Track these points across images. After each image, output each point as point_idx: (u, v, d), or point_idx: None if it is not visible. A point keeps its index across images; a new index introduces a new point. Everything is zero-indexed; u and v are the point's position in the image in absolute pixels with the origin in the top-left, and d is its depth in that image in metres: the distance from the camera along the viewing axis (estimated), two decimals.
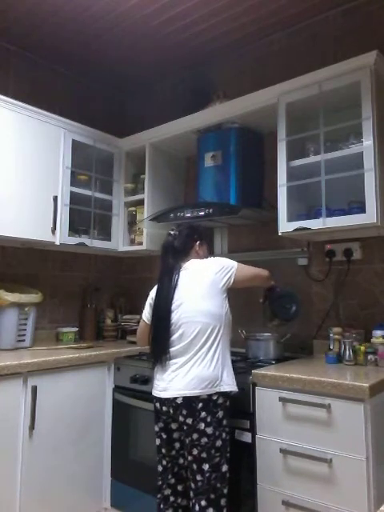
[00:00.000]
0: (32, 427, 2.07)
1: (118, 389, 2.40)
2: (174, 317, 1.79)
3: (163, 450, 1.83)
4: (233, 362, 2.16)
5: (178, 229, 2.00)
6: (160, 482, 1.84)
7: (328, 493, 1.64)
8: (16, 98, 2.43)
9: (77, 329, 2.89)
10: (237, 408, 1.89)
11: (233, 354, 2.30)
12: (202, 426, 1.69)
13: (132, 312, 3.13)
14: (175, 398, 1.72)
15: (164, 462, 1.83)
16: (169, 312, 1.81)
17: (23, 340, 2.50)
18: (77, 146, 2.72)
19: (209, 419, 1.70)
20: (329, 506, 1.63)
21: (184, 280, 1.85)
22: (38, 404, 2.09)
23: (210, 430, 1.70)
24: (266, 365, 2.06)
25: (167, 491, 1.82)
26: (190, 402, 1.70)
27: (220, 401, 1.73)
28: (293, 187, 2.18)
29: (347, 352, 2.01)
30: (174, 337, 1.78)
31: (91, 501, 2.34)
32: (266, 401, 1.83)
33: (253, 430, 1.85)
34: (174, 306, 1.81)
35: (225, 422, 1.75)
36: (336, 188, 2.06)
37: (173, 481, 1.82)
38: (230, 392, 1.76)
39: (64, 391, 2.23)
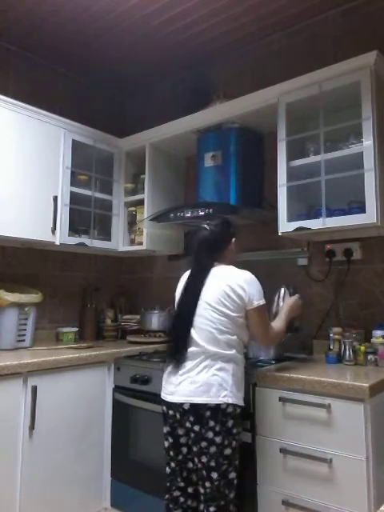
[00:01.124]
0: (32, 427, 2.07)
1: (118, 389, 2.40)
2: (195, 319, 1.74)
3: (171, 453, 1.80)
4: None
5: (213, 223, 1.89)
6: (168, 484, 1.82)
7: (328, 493, 1.64)
8: (16, 98, 2.43)
9: (77, 329, 2.88)
10: None
11: None
12: (211, 434, 1.65)
13: (132, 312, 3.13)
14: (182, 404, 1.69)
15: (172, 465, 1.80)
16: (192, 313, 1.75)
17: (23, 340, 2.50)
18: (77, 146, 2.72)
19: (218, 428, 1.65)
20: (329, 506, 1.63)
21: (212, 283, 1.77)
22: (38, 404, 2.09)
23: (218, 439, 1.66)
24: (266, 365, 2.06)
25: (176, 493, 1.79)
26: (197, 409, 1.66)
27: (230, 410, 1.67)
28: (293, 187, 2.18)
29: (347, 352, 2.01)
30: (189, 339, 1.74)
31: (91, 501, 2.34)
32: (266, 401, 1.83)
33: (253, 430, 1.85)
34: (197, 309, 1.75)
35: (235, 430, 1.70)
36: (336, 188, 2.06)
37: (182, 484, 1.79)
38: (236, 405, 1.70)
39: (64, 391, 2.23)
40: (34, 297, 2.54)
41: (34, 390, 2.09)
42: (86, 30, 2.66)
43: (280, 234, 2.19)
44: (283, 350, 2.28)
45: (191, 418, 1.68)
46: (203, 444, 1.67)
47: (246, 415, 1.86)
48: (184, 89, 3.10)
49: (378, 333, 1.99)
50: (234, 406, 1.69)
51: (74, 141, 2.69)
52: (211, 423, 1.65)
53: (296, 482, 1.73)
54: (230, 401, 1.67)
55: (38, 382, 2.11)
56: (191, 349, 1.72)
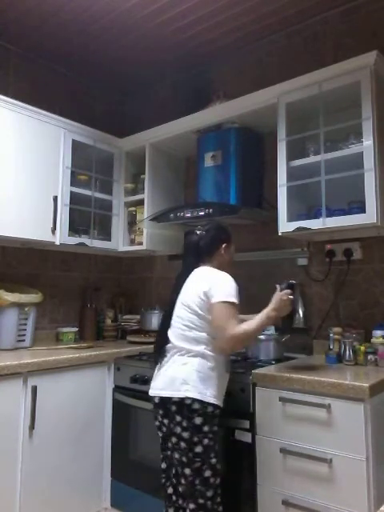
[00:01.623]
0: (32, 427, 2.07)
1: (118, 389, 2.40)
2: (173, 319, 1.83)
3: (162, 449, 1.85)
4: (233, 361, 2.17)
5: (204, 228, 1.93)
6: (163, 481, 1.85)
7: (328, 493, 1.64)
8: (16, 98, 2.43)
9: (77, 329, 2.88)
10: (237, 408, 1.89)
11: (233, 353, 2.31)
12: (178, 429, 1.68)
13: (132, 312, 3.13)
14: (154, 397, 1.79)
15: (164, 461, 1.85)
16: (170, 314, 1.85)
17: (23, 340, 2.50)
18: (77, 146, 2.72)
19: (185, 424, 1.67)
20: (329, 506, 1.63)
21: (189, 283, 1.84)
22: (38, 404, 2.09)
23: (186, 435, 1.67)
24: (266, 365, 2.06)
25: (170, 490, 1.83)
26: (164, 402, 1.73)
27: (196, 406, 1.66)
28: (293, 187, 2.18)
29: (347, 352, 2.01)
30: (166, 337, 1.82)
31: (91, 501, 2.34)
32: (266, 401, 1.83)
33: (253, 429, 1.85)
34: (175, 309, 1.84)
35: (206, 428, 1.67)
36: (336, 188, 2.06)
37: (174, 481, 1.81)
38: (203, 401, 1.66)
39: (64, 391, 2.23)
40: (33, 297, 2.54)
41: (34, 390, 2.09)
42: (86, 30, 2.66)
43: (280, 234, 2.19)
44: (283, 350, 2.28)
45: (160, 412, 1.77)
46: (173, 439, 1.71)
47: (246, 415, 1.86)
48: (184, 89, 3.10)
49: (377, 333, 1.99)
50: (202, 402, 1.67)
51: (74, 141, 2.69)
52: (178, 418, 1.69)
53: (296, 482, 1.73)
54: (191, 395, 1.66)
55: (38, 381, 2.11)
56: (167, 346, 1.80)
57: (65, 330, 2.83)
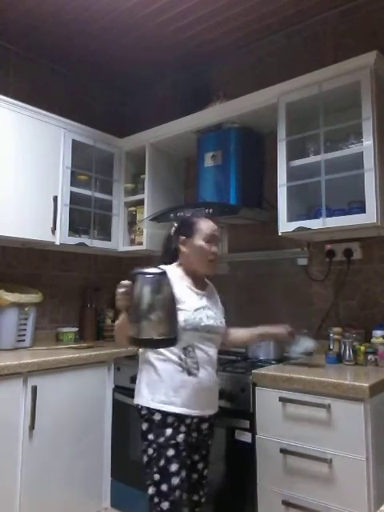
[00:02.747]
0: (32, 427, 2.07)
1: (118, 389, 2.40)
2: None
3: None
4: (233, 361, 2.17)
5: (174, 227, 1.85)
6: None
7: (328, 493, 1.64)
8: (16, 98, 2.43)
9: (77, 329, 2.88)
10: (237, 408, 1.89)
11: (233, 353, 2.32)
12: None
13: None
14: None
15: None
16: None
17: (23, 340, 2.50)
18: (77, 146, 2.72)
19: (140, 430, 1.65)
20: (329, 506, 1.63)
21: None
22: (38, 404, 2.09)
23: (141, 441, 1.64)
24: (266, 365, 2.06)
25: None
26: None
27: (144, 412, 1.63)
28: (293, 187, 2.18)
29: (347, 352, 2.01)
30: None
31: (91, 501, 2.34)
32: (266, 401, 1.83)
33: (253, 429, 1.85)
34: None
35: (150, 436, 1.59)
36: (336, 188, 2.06)
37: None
38: (149, 408, 1.61)
39: (64, 391, 2.23)
40: (34, 297, 2.54)
41: (34, 390, 2.09)
42: (86, 29, 2.66)
43: (280, 234, 2.18)
44: (283, 350, 2.28)
45: None
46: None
47: (246, 415, 1.86)
48: (184, 89, 3.10)
49: (377, 333, 1.99)
50: (148, 409, 1.62)
51: (74, 141, 2.69)
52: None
53: (296, 482, 1.73)
54: (138, 401, 1.66)
55: (37, 381, 2.11)
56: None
57: (65, 329, 2.83)
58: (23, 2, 2.42)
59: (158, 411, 1.59)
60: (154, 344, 1.49)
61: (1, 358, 2.08)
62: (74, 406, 2.27)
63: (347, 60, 2.02)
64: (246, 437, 1.85)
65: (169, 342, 1.47)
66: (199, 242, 1.74)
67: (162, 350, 1.63)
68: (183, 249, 1.76)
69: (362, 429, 1.59)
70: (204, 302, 1.72)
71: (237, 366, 2.07)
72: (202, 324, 1.65)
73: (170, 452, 1.56)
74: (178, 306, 1.60)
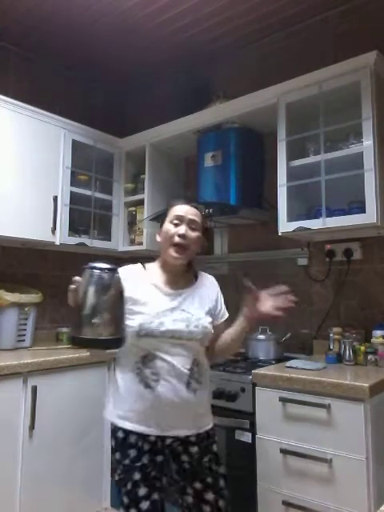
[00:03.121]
0: (32, 427, 2.07)
1: None
2: None
3: None
4: (233, 361, 2.17)
5: None
6: None
7: (328, 493, 1.64)
8: (16, 98, 2.43)
9: None
10: (237, 408, 1.89)
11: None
12: None
13: None
14: None
15: None
16: None
17: (23, 340, 2.49)
18: (77, 146, 2.72)
19: None
20: (329, 506, 1.63)
21: None
22: (38, 404, 2.09)
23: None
24: (266, 365, 2.06)
25: None
26: None
27: (111, 427, 1.51)
28: (293, 187, 2.18)
29: (347, 352, 2.01)
30: None
31: (91, 501, 2.34)
32: (266, 401, 1.83)
33: (253, 429, 1.85)
34: None
35: (117, 456, 1.45)
36: (336, 188, 2.06)
37: None
38: (113, 423, 1.49)
39: (64, 391, 2.23)
40: (33, 297, 2.54)
41: (34, 390, 2.08)
42: (86, 29, 2.66)
43: (280, 234, 2.19)
44: (283, 350, 2.28)
45: None
46: None
47: (246, 415, 1.86)
48: (184, 89, 3.10)
49: (377, 333, 1.99)
50: (113, 424, 1.49)
51: (74, 141, 2.69)
52: None
53: (296, 482, 1.73)
54: (105, 414, 1.56)
55: (38, 381, 2.10)
56: None
57: (65, 329, 2.82)
58: (23, 3, 2.42)
59: (121, 429, 1.46)
60: (94, 344, 1.33)
61: (1, 358, 2.08)
62: (73, 406, 2.26)
63: (347, 60, 2.02)
64: (246, 437, 1.85)
65: (111, 342, 1.31)
66: (166, 224, 1.57)
67: (121, 358, 1.50)
68: (158, 239, 1.60)
69: (361, 429, 1.59)
70: (175, 303, 1.50)
71: (237, 366, 2.07)
72: (162, 329, 1.43)
73: (136, 475, 1.40)
74: (135, 309, 1.45)
